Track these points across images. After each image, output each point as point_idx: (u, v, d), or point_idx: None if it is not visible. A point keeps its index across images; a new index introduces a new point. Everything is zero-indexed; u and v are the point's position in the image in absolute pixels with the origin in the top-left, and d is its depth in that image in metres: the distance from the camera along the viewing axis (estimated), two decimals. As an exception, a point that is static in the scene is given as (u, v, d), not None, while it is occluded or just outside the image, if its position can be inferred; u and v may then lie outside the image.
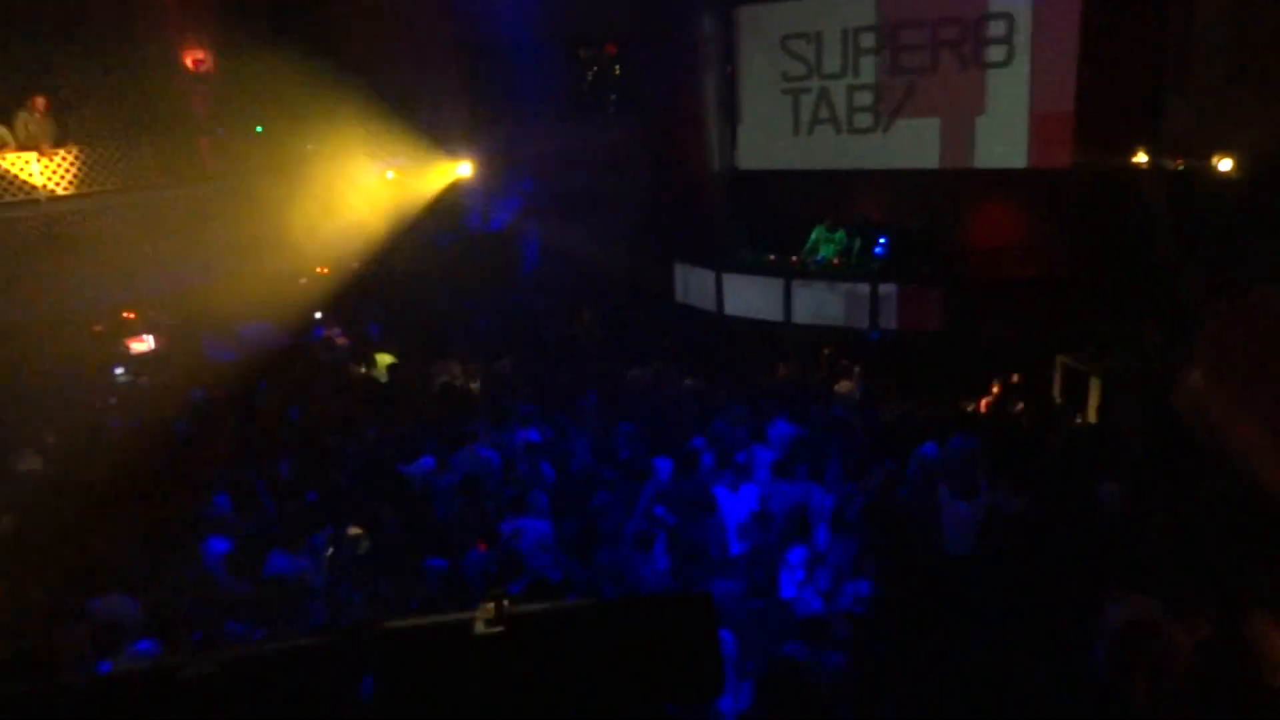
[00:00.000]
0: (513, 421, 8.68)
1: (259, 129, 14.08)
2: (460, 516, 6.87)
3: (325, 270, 14.54)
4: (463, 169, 15.27)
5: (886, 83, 13.29)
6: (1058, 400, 10.08)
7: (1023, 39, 12.15)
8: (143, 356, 11.83)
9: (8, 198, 11.17)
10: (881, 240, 12.84)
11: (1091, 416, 9.31)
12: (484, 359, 11.71)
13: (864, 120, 13.61)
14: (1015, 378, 9.94)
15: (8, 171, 11.22)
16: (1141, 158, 11.18)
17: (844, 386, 10.30)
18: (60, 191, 11.66)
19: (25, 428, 9.23)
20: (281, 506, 7.43)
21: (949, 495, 6.64)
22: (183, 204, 13.08)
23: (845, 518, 6.62)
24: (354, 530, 6.47)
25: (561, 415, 9.13)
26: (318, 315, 13.46)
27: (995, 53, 12.43)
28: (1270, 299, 4.70)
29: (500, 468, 7.67)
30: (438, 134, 15.03)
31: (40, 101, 11.68)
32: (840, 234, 13.01)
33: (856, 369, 10.56)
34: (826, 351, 11.18)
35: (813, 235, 13.12)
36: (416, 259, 14.92)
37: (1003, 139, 12.56)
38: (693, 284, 14.11)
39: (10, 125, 11.52)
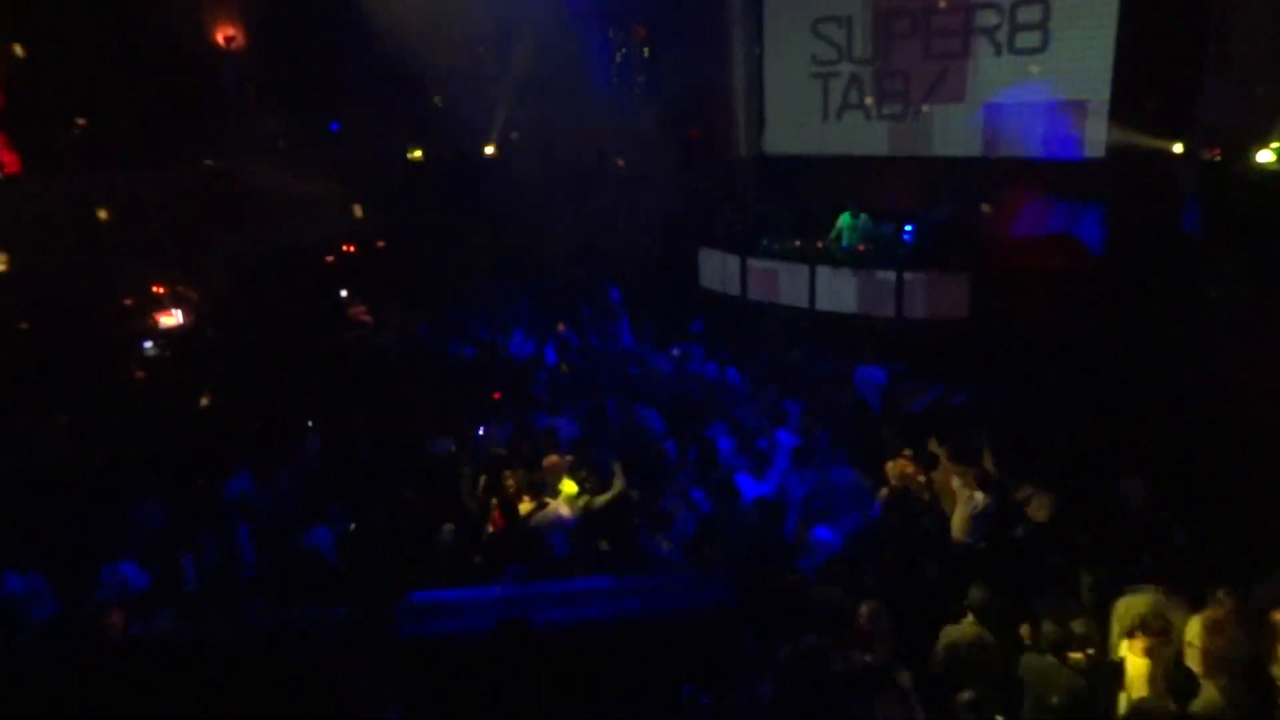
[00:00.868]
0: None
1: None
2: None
3: (352, 248, 14.65)
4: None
5: (918, 68, 13.12)
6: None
7: (1057, 25, 11.94)
8: (172, 331, 11.96)
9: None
10: (908, 228, 12.71)
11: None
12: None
13: (894, 106, 13.46)
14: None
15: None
16: (1178, 148, 10.97)
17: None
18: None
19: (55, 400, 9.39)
20: (308, 482, 7.51)
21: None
22: (209, 180, 13.17)
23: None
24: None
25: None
26: (343, 293, 13.55)
27: (1029, 39, 12.23)
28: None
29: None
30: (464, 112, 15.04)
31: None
32: (864, 219, 12.88)
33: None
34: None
35: (839, 222, 13.00)
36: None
37: (1034, 127, 12.35)
38: (717, 268, 14.03)
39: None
